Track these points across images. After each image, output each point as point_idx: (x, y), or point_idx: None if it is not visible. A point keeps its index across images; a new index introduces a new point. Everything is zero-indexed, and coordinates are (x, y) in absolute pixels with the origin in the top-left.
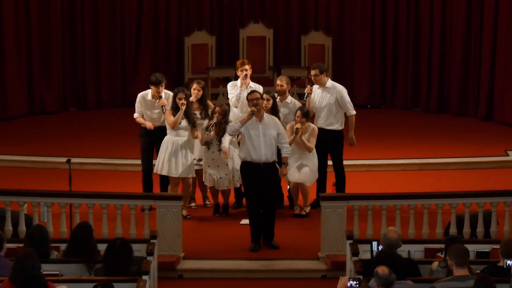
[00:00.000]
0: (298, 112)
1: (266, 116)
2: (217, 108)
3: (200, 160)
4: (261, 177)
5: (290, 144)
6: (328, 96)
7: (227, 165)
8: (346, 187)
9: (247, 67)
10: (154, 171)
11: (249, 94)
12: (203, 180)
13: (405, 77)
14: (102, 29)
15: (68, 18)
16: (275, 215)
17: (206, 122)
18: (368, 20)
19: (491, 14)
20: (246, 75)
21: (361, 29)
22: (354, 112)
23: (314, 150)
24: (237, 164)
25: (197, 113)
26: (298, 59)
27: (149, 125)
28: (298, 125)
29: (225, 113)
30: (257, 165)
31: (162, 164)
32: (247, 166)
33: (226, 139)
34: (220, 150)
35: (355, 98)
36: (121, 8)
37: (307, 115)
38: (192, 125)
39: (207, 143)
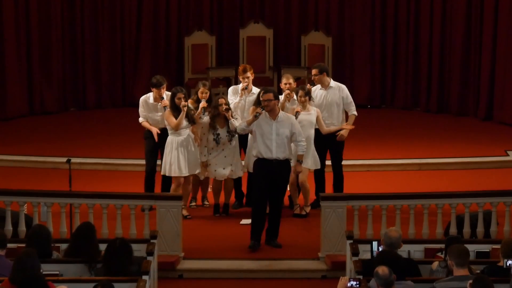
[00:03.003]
0: (300, 92)
1: (281, 114)
2: (220, 100)
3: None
4: (273, 174)
5: None
6: (333, 96)
7: (234, 156)
8: (346, 187)
9: (248, 74)
10: (162, 173)
11: (262, 94)
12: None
13: (405, 77)
14: (102, 29)
15: (68, 18)
16: (281, 215)
17: (207, 118)
18: (368, 20)
19: (491, 14)
20: (246, 87)
21: (361, 29)
22: (356, 113)
23: (311, 137)
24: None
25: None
26: (298, 59)
27: (155, 131)
28: (298, 108)
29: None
30: (269, 162)
31: (170, 166)
32: (259, 162)
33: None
34: (230, 141)
35: (355, 98)
36: (121, 8)
37: (309, 93)
38: (192, 122)
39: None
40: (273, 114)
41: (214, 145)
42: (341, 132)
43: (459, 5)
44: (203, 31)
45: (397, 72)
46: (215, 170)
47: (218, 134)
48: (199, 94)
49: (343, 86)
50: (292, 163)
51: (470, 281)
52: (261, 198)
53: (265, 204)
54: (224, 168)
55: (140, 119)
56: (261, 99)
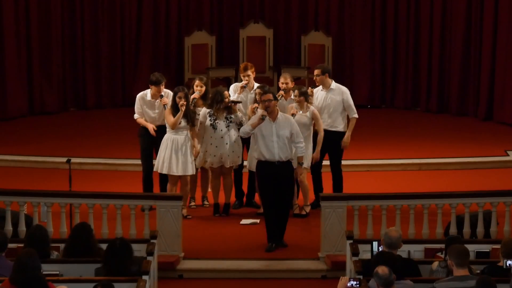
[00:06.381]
0: (296, 92)
1: (280, 115)
2: (225, 92)
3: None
4: (276, 176)
5: None
6: (333, 98)
7: (235, 141)
8: (345, 187)
9: (249, 72)
10: (154, 170)
11: (262, 94)
12: (205, 166)
13: (405, 77)
14: (102, 29)
15: (68, 18)
16: (288, 215)
17: (204, 109)
18: (368, 20)
19: (491, 14)
20: (245, 85)
21: (361, 29)
22: (357, 116)
23: (307, 138)
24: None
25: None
26: (298, 59)
27: (151, 127)
28: (294, 111)
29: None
30: (271, 163)
31: (162, 163)
32: (261, 165)
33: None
34: (228, 126)
35: (355, 98)
36: (121, 8)
37: (305, 94)
38: (192, 124)
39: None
40: (272, 115)
41: (212, 133)
42: (344, 139)
43: (459, 5)
44: (203, 31)
45: (397, 72)
46: (214, 156)
47: (216, 119)
48: (194, 88)
49: (345, 89)
50: (294, 165)
51: None
52: (270, 200)
53: (275, 206)
54: (221, 155)
55: (135, 116)
56: (262, 99)
